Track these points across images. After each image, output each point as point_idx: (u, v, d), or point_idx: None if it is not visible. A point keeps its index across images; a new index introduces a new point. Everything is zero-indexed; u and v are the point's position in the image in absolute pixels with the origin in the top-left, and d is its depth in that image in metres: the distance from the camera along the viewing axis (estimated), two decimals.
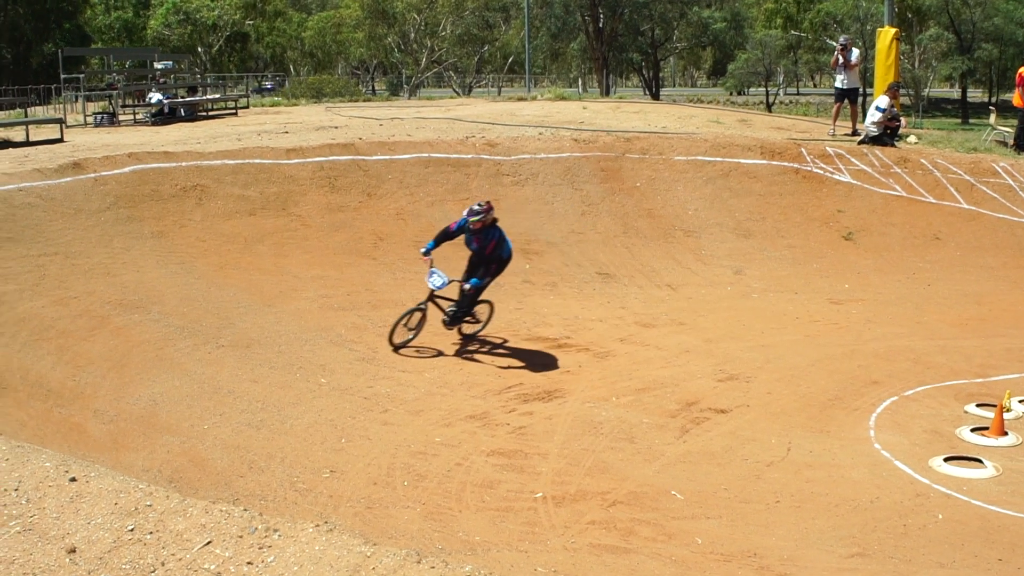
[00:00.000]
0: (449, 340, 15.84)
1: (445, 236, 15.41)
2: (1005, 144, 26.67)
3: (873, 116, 24.49)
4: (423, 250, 15.27)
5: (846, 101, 27.08)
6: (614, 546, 9.96)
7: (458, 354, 15.33)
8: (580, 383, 14.29)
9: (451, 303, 15.73)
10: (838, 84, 27.06)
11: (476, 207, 15.21)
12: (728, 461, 12.04)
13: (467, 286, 15.34)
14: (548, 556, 9.71)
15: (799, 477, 11.68)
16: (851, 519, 10.70)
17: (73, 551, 5.76)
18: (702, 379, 14.65)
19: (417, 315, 15.55)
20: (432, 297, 15.53)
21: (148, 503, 6.33)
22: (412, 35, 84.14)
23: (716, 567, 9.64)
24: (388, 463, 11.43)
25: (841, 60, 26.71)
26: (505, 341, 16.03)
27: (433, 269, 15.14)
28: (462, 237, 15.56)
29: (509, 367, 14.83)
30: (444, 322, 15.65)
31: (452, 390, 13.85)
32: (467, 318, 15.91)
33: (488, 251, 15.33)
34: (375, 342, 15.28)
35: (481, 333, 16.27)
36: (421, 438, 12.19)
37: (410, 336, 15.54)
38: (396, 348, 15.24)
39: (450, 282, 15.41)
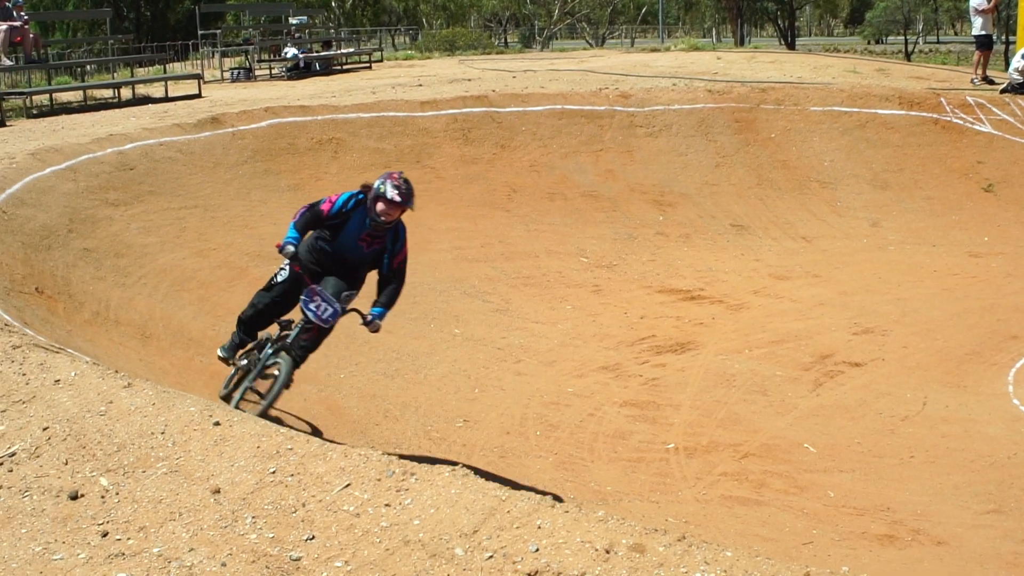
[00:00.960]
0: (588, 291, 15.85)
1: (315, 221, 9.46)
2: None
3: (1017, 64, 23.89)
4: (287, 244, 9.14)
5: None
6: (745, 498, 9.99)
7: (590, 306, 15.35)
8: (713, 335, 14.28)
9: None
10: (980, 30, 26.37)
11: (398, 181, 9.31)
12: (862, 415, 11.96)
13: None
14: (679, 507, 9.78)
15: (934, 432, 11.58)
16: (987, 475, 10.59)
17: (217, 491, 5.94)
18: (836, 332, 14.53)
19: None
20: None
21: (289, 447, 6.49)
22: None
23: (848, 521, 9.62)
24: (521, 413, 11.56)
25: (986, 5, 26.02)
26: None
27: (317, 287, 9.28)
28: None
29: (643, 318, 14.85)
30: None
31: (585, 341, 13.93)
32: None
33: (395, 263, 9.76)
34: (508, 293, 15.39)
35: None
36: (553, 388, 12.30)
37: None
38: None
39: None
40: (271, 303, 9.61)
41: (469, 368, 12.75)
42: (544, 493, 6.82)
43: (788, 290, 16.29)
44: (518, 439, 10.95)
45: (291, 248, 9.10)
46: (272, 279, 9.64)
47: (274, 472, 6.15)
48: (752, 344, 13.96)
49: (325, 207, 9.43)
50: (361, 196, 9.45)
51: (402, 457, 6.47)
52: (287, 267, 9.40)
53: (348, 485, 5.95)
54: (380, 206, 9.24)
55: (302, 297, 9.22)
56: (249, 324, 9.87)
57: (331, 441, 7.63)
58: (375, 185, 9.32)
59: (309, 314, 9.18)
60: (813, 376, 13.01)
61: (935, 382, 13.02)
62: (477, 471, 6.28)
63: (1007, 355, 13.91)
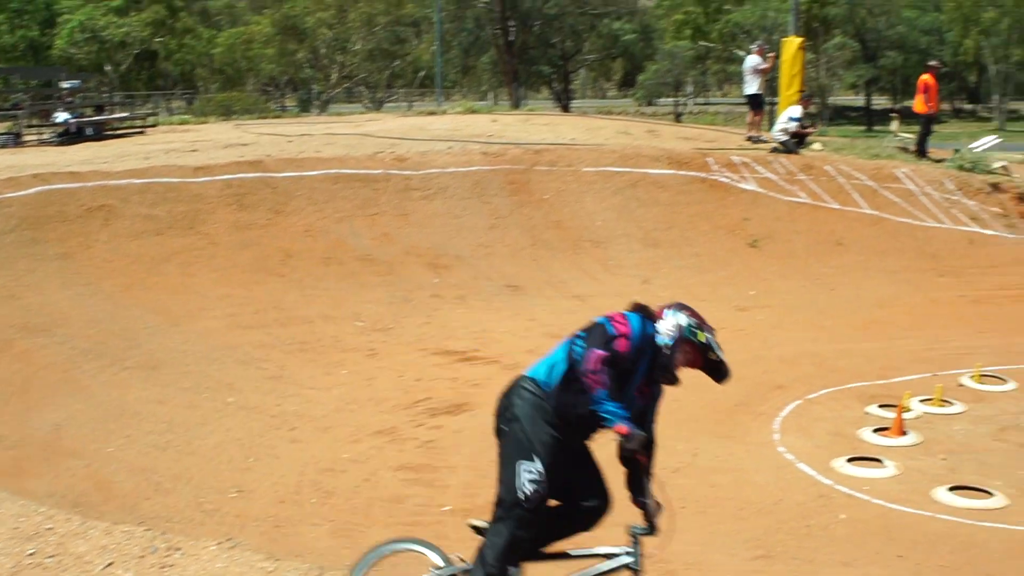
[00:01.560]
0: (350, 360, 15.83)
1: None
2: (907, 150, 27.13)
3: (786, 124, 24.81)
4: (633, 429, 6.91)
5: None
6: None
7: (365, 369, 15.33)
8: (489, 395, 14.19)
9: None
10: (756, 90, 27.36)
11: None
12: None
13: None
14: None
15: (705, 482, 11.84)
16: (755, 522, 10.87)
17: None
18: None
19: None
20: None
21: (49, 526, 6.33)
22: (323, 50, 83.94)
23: None
24: (296, 481, 11.44)
25: (764, 64, 27.05)
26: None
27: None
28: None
29: (418, 380, 14.87)
30: None
31: (360, 406, 13.87)
32: None
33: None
34: (283, 359, 15.25)
35: None
36: (329, 455, 12.21)
37: None
38: None
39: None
40: (545, 521, 6.92)
41: (243, 437, 12.58)
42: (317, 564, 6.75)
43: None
44: (293, 507, 10.83)
45: (641, 434, 6.92)
46: (516, 492, 6.76)
47: (32, 554, 5.99)
48: None
49: (622, 346, 6.65)
50: (650, 330, 6.83)
51: (170, 532, 6.36)
52: (534, 465, 6.76)
53: (110, 564, 5.84)
54: (691, 358, 7.05)
55: (637, 498, 7.46)
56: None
57: (94, 519, 7.45)
58: (682, 325, 6.92)
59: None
60: None
61: (705, 433, 13.33)
62: (245, 543, 6.20)
63: (773, 405, 14.36)
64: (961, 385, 15.35)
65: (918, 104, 27.06)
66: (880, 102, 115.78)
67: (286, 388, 14.19)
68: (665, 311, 6.89)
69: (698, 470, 12.18)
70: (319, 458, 12.07)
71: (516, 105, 73.45)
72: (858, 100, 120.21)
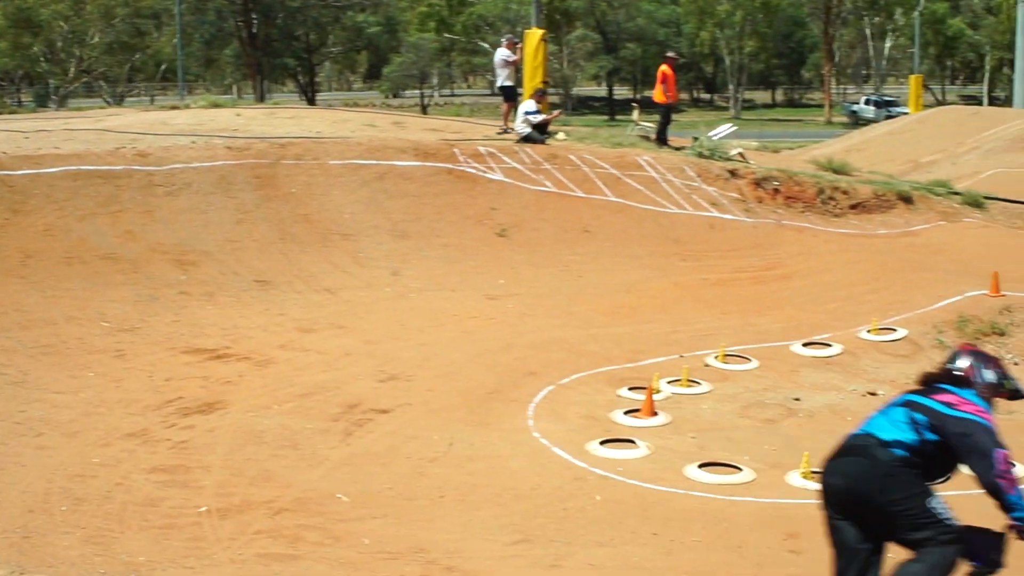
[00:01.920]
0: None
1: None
2: (648, 138, 27.84)
3: (523, 118, 25.13)
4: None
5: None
6: (282, 554, 9.94)
7: (113, 371, 14.91)
8: (241, 392, 14.15)
9: None
10: (507, 82, 27.69)
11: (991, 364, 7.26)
12: (391, 460, 12.17)
13: None
14: (215, 570, 9.61)
15: (462, 470, 11.93)
16: (513, 507, 11.00)
17: None
18: (363, 380, 14.73)
19: None
20: None
21: None
22: (59, 44, 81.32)
23: (383, 566, 9.74)
24: (44, 489, 11.04)
25: (514, 57, 27.41)
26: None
27: None
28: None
29: (168, 380, 14.53)
30: None
31: (109, 408, 13.47)
32: None
33: None
34: (26, 364, 14.67)
35: None
36: (78, 460, 11.82)
37: None
38: None
39: None
40: None
41: None
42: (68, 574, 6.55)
43: (314, 342, 16.37)
44: (43, 516, 10.44)
45: None
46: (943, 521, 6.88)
47: None
48: (281, 399, 13.94)
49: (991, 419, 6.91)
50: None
51: None
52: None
53: None
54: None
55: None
56: None
57: None
58: (994, 383, 7.10)
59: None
60: (342, 426, 13.13)
61: (460, 422, 13.43)
62: None
63: (526, 391, 14.55)
64: (707, 365, 15.88)
65: (657, 94, 27.77)
66: (621, 92, 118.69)
67: (30, 393, 13.68)
68: (974, 373, 7.07)
69: (454, 459, 12.27)
70: (68, 464, 11.67)
71: (261, 99, 72.66)
72: (600, 90, 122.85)
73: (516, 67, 27.57)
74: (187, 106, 33.03)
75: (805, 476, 11.79)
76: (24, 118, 30.87)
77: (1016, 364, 16.59)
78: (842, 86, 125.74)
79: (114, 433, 12.65)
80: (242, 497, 11.07)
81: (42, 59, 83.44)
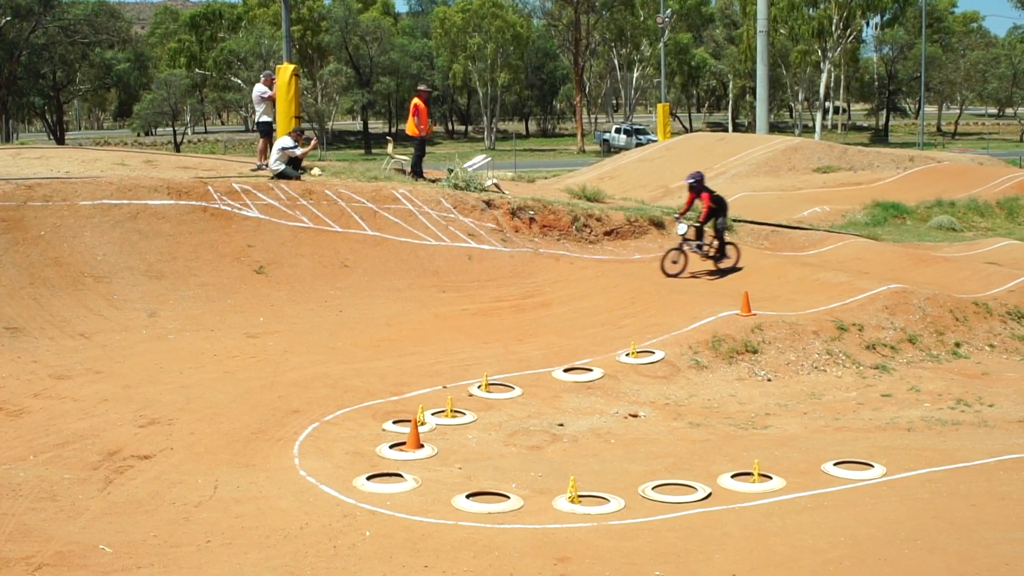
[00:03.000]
0: None
1: None
2: (403, 172, 27.92)
3: (279, 154, 24.93)
4: None
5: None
6: None
7: None
8: None
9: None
10: (265, 117, 27.47)
11: None
12: (155, 507, 11.89)
13: None
14: None
15: (228, 514, 11.73)
16: (282, 548, 10.87)
17: None
18: (123, 426, 14.36)
19: None
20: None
21: None
22: None
23: None
24: None
25: (270, 92, 27.22)
26: None
27: None
28: None
29: None
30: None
31: None
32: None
33: None
34: None
35: None
36: None
37: None
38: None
39: None
40: None
41: None
42: None
43: (70, 389, 15.89)
44: None
45: None
46: None
47: None
48: (36, 449, 13.47)
49: None
50: None
51: None
52: None
53: None
54: None
55: None
56: None
57: None
58: None
59: None
60: (103, 474, 12.77)
61: (225, 464, 13.21)
62: None
63: (291, 429, 14.42)
64: (471, 395, 16.01)
65: (410, 127, 27.94)
66: (377, 126, 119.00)
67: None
68: None
69: (220, 502, 12.06)
70: None
71: (7, 139, 70.48)
72: (355, 125, 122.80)
73: (273, 103, 27.40)
74: None
75: (572, 500, 11.97)
76: None
77: (770, 380, 17.23)
78: (593, 115, 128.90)
79: None
80: None
81: None
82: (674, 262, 23.14)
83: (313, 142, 28.07)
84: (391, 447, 13.81)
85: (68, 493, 12.24)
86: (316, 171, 26.35)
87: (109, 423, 14.51)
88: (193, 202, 22.60)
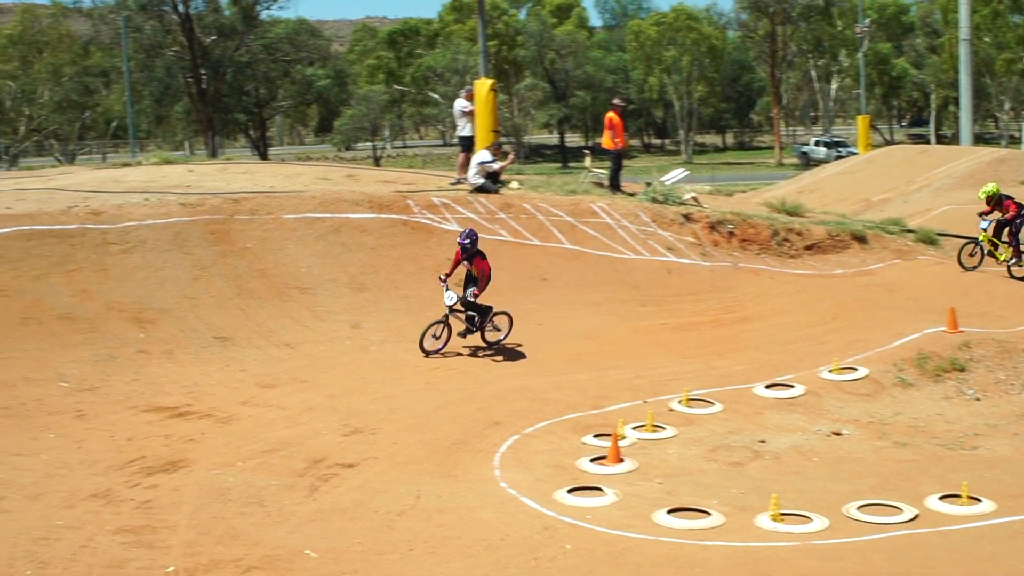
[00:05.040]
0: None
1: None
2: (601, 185, 27.91)
3: (477, 168, 25.16)
4: None
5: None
6: None
7: (74, 432, 14.72)
8: (205, 450, 14.01)
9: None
10: (467, 132, 27.71)
11: None
12: (360, 514, 12.07)
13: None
14: None
15: (431, 523, 11.85)
16: (484, 559, 10.93)
17: None
18: (327, 435, 14.63)
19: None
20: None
21: None
22: (8, 103, 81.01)
23: None
24: (8, 553, 10.88)
25: (471, 107, 27.47)
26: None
27: None
28: None
29: (131, 439, 14.38)
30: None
31: (72, 470, 13.31)
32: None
33: None
34: None
35: None
36: (42, 523, 11.66)
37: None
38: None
39: None
40: None
41: None
42: None
43: (276, 398, 16.26)
44: None
45: None
46: None
47: None
48: (245, 455, 13.81)
49: None
50: None
51: None
52: None
53: None
54: None
55: None
56: None
57: None
58: None
59: None
60: (308, 481, 13.03)
61: (427, 474, 13.35)
62: None
63: (491, 441, 14.50)
64: (671, 410, 15.88)
65: (606, 140, 27.89)
66: (573, 139, 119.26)
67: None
68: None
69: (423, 511, 12.19)
70: (31, 527, 11.50)
71: (213, 154, 72.54)
72: (552, 138, 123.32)
73: (474, 117, 27.63)
74: (139, 163, 32.90)
75: (774, 518, 11.79)
76: None
77: (978, 400, 16.71)
78: (791, 128, 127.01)
79: (77, 494, 12.48)
80: (209, 556, 10.94)
81: None
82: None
83: (510, 156, 28.25)
84: (591, 460, 13.79)
85: (275, 499, 12.51)
86: (514, 185, 26.51)
87: (314, 431, 14.80)
88: (394, 215, 22.96)
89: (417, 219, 23.01)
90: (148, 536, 11.39)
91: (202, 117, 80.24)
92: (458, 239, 18.91)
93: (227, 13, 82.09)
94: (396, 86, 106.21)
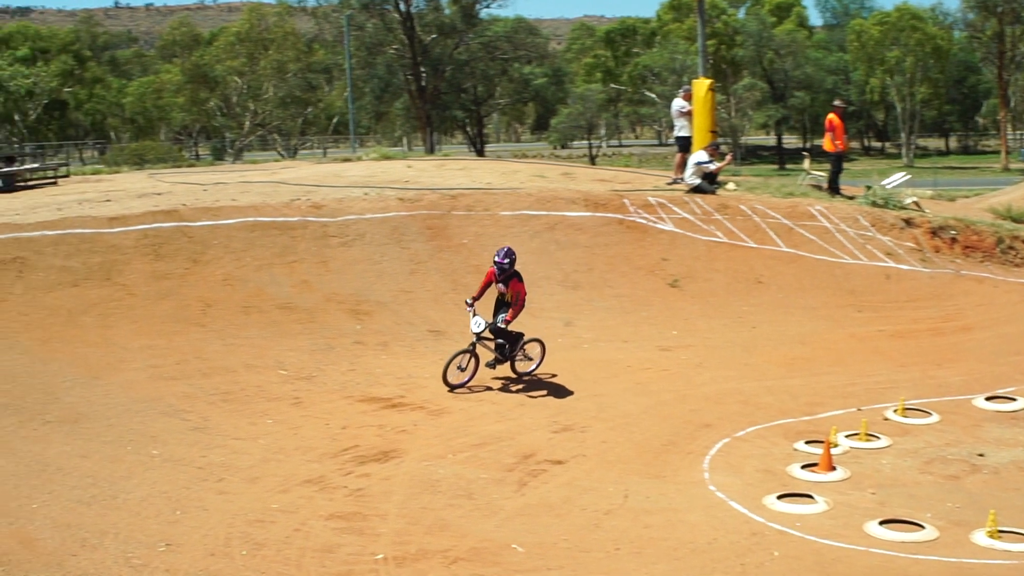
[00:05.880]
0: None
1: None
2: (820, 188, 27.44)
3: (694, 168, 25.02)
4: None
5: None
6: None
7: (290, 419, 15.11)
8: (416, 442, 14.24)
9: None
10: (684, 132, 27.61)
11: None
12: (567, 512, 12.12)
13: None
14: None
15: (637, 523, 11.82)
16: (690, 562, 10.86)
17: None
18: (537, 431, 14.72)
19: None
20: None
21: None
22: (235, 98, 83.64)
23: None
24: (225, 533, 11.25)
25: (689, 107, 27.36)
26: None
27: None
28: None
29: (344, 428, 14.70)
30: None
31: (287, 455, 13.68)
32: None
33: None
34: (207, 410, 15.00)
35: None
36: (258, 506, 12.03)
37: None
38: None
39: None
40: None
41: (169, 489, 12.34)
42: None
43: (487, 392, 16.43)
44: (223, 560, 10.64)
45: None
46: None
47: None
48: (455, 448, 14.00)
49: None
50: None
51: None
52: None
53: None
54: None
55: None
56: None
57: None
58: None
59: None
60: (517, 476, 13.13)
61: (635, 474, 13.33)
62: None
63: (701, 443, 14.39)
64: (886, 419, 15.52)
65: (826, 143, 27.38)
66: (791, 141, 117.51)
67: (211, 439, 13.96)
68: None
69: (630, 511, 12.17)
70: (248, 509, 11.88)
71: (431, 150, 73.59)
72: (769, 139, 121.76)
73: (691, 117, 27.47)
74: (359, 158, 33.57)
75: (991, 535, 11.42)
76: (202, 171, 31.72)
77: None
78: (1018, 132, 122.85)
79: (292, 479, 12.83)
80: (418, 546, 11.12)
81: (218, 113, 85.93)
82: None
83: (728, 157, 28.00)
84: (802, 467, 13.57)
85: (484, 492, 12.64)
86: (731, 186, 26.27)
87: (524, 427, 14.90)
88: (609, 214, 22.96)
89: (632, 218, 22.97)
90: (359, 523, 11.64)
91: (421, 114, 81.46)
92: (496, 257, 17.00)
93: (447, 12, 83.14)
94: (613, 85, 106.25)
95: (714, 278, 21.58)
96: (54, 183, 30.25)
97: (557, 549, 11.15)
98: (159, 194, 23.48)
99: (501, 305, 17.07)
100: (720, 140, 28.54)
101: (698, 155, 25.48)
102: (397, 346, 18.32)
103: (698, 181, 24.82)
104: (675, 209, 23.47)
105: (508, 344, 16.88)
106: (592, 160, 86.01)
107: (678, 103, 27.87)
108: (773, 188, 26.77)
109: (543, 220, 22.46)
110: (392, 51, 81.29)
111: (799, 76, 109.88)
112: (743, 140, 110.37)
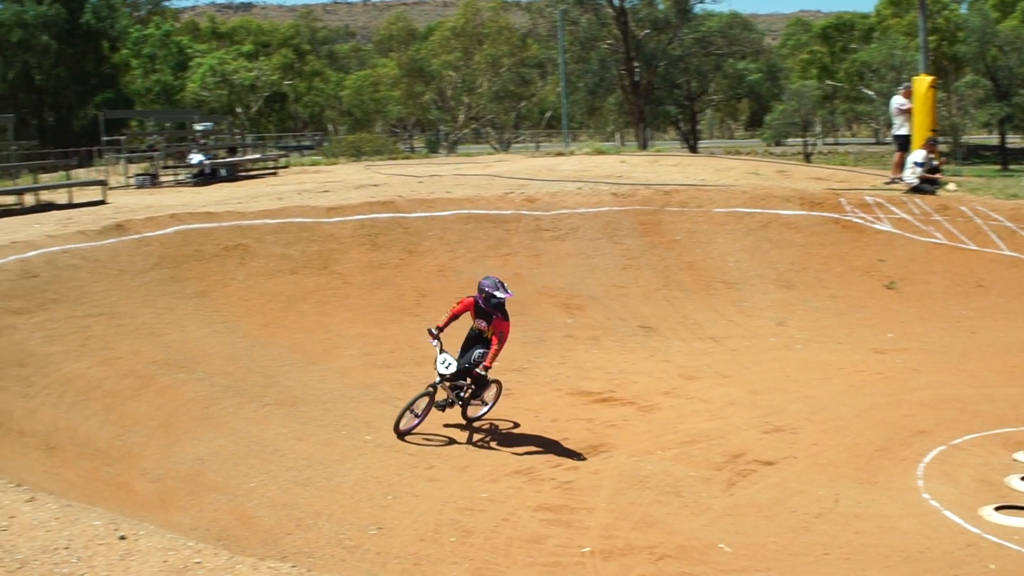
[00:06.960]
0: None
1: None
2: None
3: (912, 168, 24.48)
4: None
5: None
6: None
7: (501, 410, 15.26)
8: (625, 437, 14.25)
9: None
10: (903, 131, 27.07)
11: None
12: (776, 513, 11.98)
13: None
14: None
15: (848, 529, 11.62)
16: (901, 570, 10.64)
17: None
18: (747, 431, 14.58)
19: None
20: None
21: (197, 560, 6.36)
22: (449, 92, 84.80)
23: None
24: (435, 519, 11.44)
25: (909, 105, 26.81)
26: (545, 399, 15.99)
27: None
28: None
29: (554, 421, 14.79)
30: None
31: (497, 445, 13.84)
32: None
33: None
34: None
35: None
36: (467, 494, 12.19)
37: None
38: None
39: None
40: None
41: (381, 475, 12.60)
42: None
43: (698, 390, 16.35)
44: (432, 546, 10.82)
45: None
46: None
47: None
48: (664, 445, 13.96)
49: None
50: None
51: (314, 569, 6.35)
52: None
53: None
54: None
55: None
56: None
57: (240, 554, 7.46)
58: None
59: None
60: (726, 476, 13.03)
61: (846, 479, 13.09)
62: None
63: (915, 450, 14.04)
64: None
65: None
66: (1015, 141, 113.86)
67: (422, 427, 14.18)
68: None
69: (840, 516, 11.96)
70: (457, 497, 12.05)
71: (643, 146, 73.43)
72: (992, 139, 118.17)
73: (911, 115, 26.87)
74: (572, 153, 33.74)
75: None
76: (417, 163, 32.28)
77: None
78: None
79: (502, 469, 12.97)
80: (625, 541, 11.12)
81: (433, 107, 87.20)
82: None
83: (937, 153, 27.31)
84: (1022, 479, 13.15)
85: (692, 490, 12.58)
86: (952, 186, 25.62)
87: (734, 426, 14.78)
88: (824, 213, 22.61)
89: (848, 218, 22.58)
90: (567, 516, 11.70)
91: (634, 109, 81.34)
92: (485, 287, 14.30)
93: (661, 7, 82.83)
94: (829, 81, 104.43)
95: (932, 281, 21.05)
96: (274, 173, 31.15)
97: (765, 551, 11.03)
98: (375, 185, 23.99)
99: (476, 342, 14.59)
100: (938, 139, 27.78)
101: (916, 154, 24.90)
102: (608, 341, 18.36)
103: (917, 181, 24.26)
104: (893, 209, 22.98)
105: (476, 388, 14.36)
106: (807, 158, 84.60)
107: (897, 100, 27.27)
108: (996, 189, 26.03)
109: (757, 218, 22.23)
110: (606, 46, 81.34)
111: None
112: (964, 139, 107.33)
